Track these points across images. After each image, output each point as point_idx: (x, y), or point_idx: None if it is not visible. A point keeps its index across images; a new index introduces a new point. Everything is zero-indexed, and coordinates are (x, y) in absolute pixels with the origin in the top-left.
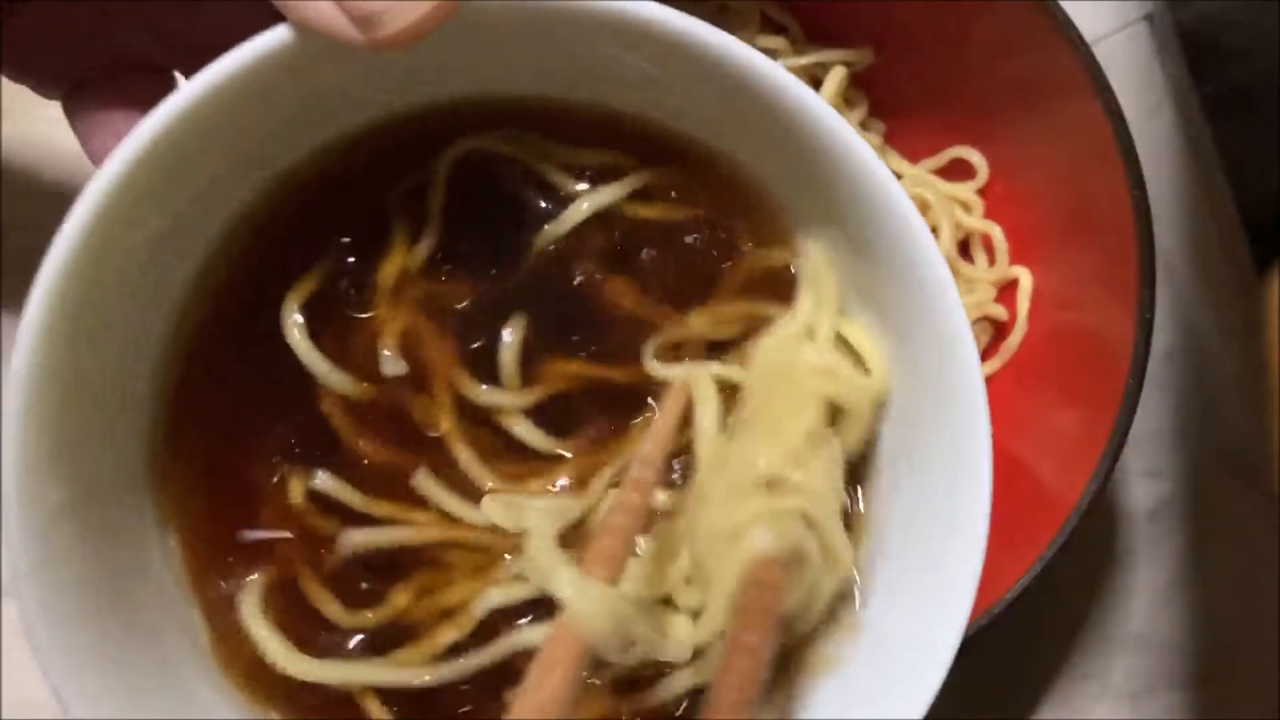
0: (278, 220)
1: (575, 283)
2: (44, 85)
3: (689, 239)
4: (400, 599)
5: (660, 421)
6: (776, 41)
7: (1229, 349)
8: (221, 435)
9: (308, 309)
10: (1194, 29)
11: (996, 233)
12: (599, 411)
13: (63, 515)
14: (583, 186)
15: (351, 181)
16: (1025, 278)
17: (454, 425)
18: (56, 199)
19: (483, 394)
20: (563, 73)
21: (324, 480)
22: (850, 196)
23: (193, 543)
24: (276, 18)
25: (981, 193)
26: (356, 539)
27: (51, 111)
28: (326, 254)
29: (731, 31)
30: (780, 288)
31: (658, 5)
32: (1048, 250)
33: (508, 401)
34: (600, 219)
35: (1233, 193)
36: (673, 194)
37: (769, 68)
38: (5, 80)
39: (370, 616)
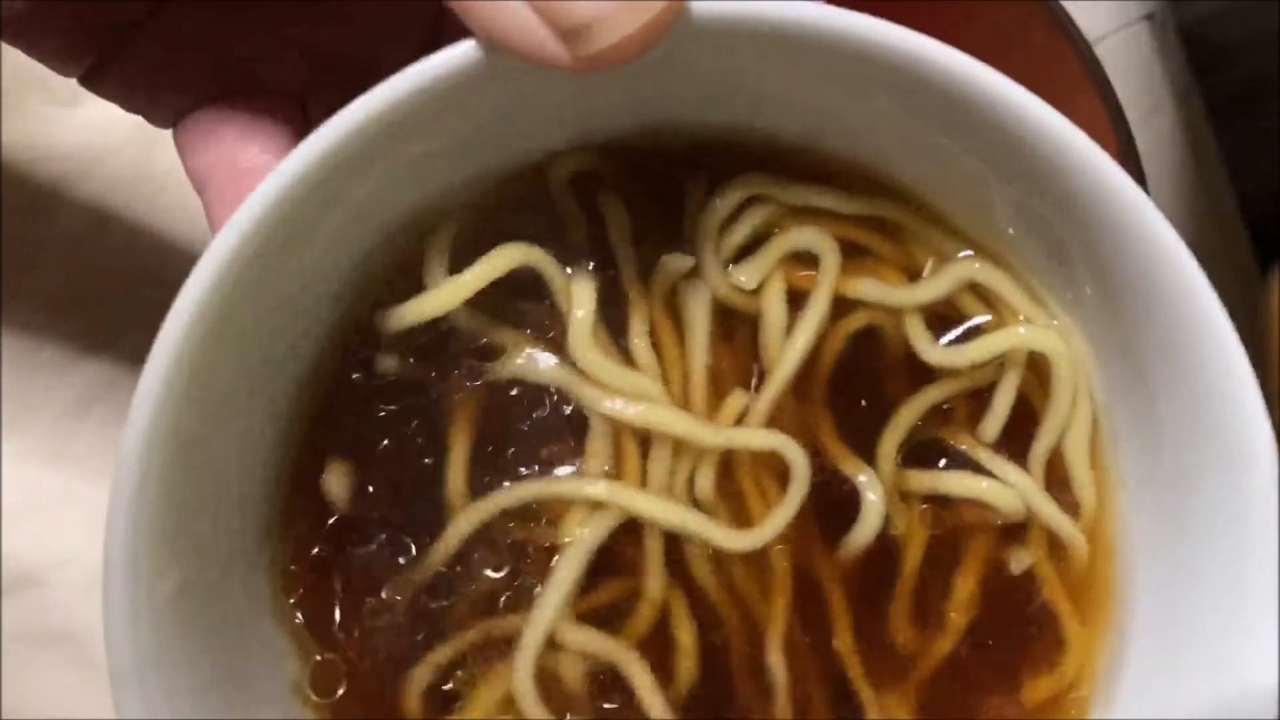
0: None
1: None
2: (156, 117)
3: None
4: None
5: None
6: None
7: None
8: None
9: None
10: (1194, 29)
11: None
12: None
13: (173, 603)
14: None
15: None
16: None
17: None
18: (54, 202)
19: None
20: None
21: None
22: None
23: (308, 622)
24: (421, 40)
25: None
26: None
27: (52, 112)
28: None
29: None
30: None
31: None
32: None
33: None
34: None
35: (1233, 192)
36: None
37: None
38: (5, 79)
39: None
